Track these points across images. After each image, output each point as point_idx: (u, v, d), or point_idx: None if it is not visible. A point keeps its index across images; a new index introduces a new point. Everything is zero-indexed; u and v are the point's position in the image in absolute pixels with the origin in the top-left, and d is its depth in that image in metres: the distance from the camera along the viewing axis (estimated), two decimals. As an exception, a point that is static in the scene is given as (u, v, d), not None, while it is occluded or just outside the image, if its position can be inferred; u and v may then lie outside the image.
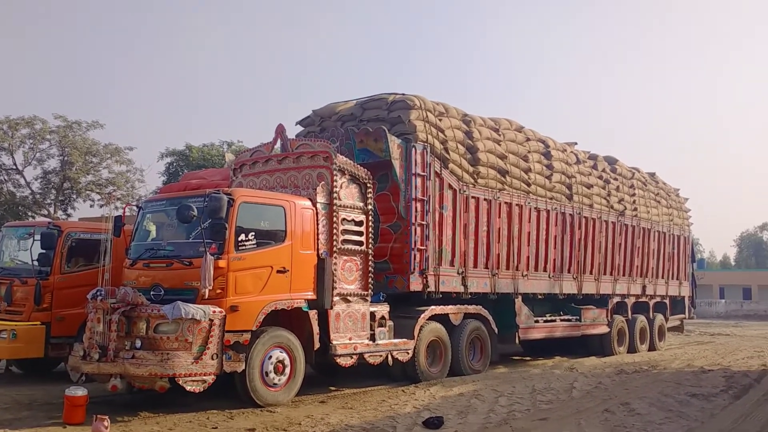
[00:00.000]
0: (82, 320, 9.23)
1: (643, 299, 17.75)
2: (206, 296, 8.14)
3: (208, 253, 8.13)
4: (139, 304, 8.20)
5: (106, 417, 6.98)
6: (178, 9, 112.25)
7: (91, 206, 32.98)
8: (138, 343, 8.04)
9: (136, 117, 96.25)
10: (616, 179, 16.88)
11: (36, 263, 10.65)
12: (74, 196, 32.89)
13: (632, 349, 16.77)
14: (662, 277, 18.61)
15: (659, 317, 18.44)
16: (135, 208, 9.99)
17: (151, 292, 8.45)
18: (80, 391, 7.56)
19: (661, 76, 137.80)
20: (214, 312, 8.09)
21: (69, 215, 32.26)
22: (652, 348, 17.71)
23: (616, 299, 16.42)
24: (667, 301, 19.06)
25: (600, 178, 16.23)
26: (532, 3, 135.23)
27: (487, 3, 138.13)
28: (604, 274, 15.96)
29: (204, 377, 8.01)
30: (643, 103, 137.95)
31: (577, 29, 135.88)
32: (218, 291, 8.24)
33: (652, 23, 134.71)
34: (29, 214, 31.53)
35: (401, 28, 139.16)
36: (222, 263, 8.28)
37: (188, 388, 7.94)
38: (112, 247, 9.07)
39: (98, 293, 8.38)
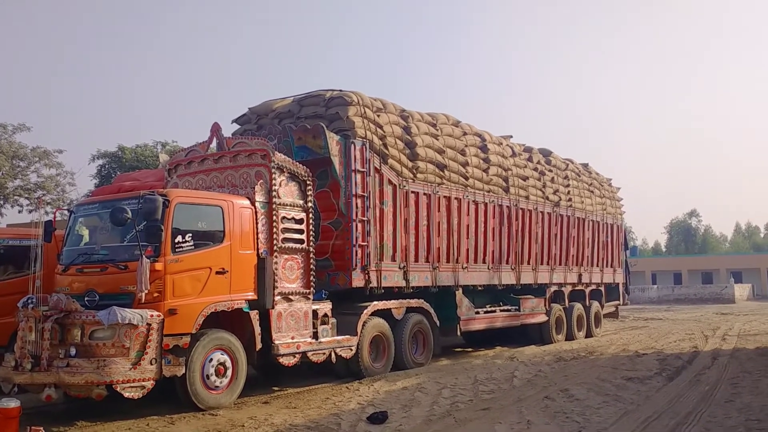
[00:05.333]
0: (13, 330, 8.90)
1: (580, 287, 18.21)
2: (143, 300, 7.96)
3: (143, 257, 7.95)
4: (72, 310, 7.96)
5: (41, 428, 6.74)
6: (104, 5, 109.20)
7: (19, 212, 31.83)
8: (73, 351, 7.80)
9: (65, 119, 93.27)
10: (550, 171, 17.24)
11: (-38, 272, 10.21)
12: (1, 202, 31.65)
13: (570, 337, 17.20)
14: (597, 265, 19.14)
15: (595, 304, 18.96)
16: (66, 212, 9.68)
17: (86, 298, 8.20)
18: (12, 403, 7.25)
19: (591, 65, 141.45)
20: (152, 316, 7.92)
21: (-4, 221, 31.07)
22: (589, 335, 18.21)
23: (553, 288, 16.81)
24: (602, 288, 19.61)
25: (535, 170, 16.56)
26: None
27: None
28: (542, 264, 16.31)
29: (143, 383, 7.84)
30: (574, 94, 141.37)
31: (506, 19, 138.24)
32: (155, 294, 8.06)
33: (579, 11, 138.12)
34: (-47, 221, 30.24)
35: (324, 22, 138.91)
36: (158, 266, 8.11)
37: (126, 394, 7.75)
38: (43, 253, 8.77)
39: (29, 301, 8.10)
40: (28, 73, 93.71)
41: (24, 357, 7.85)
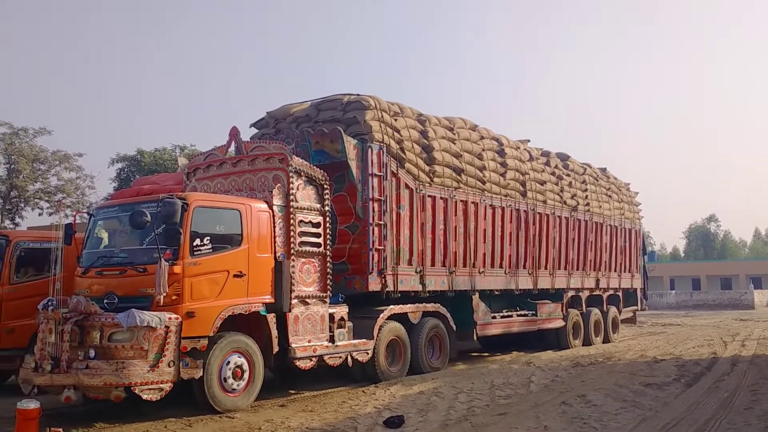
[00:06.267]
0: (33, 331, 9.00)
1: (597, 292, 18.09)
2: (161, 303, 8.02)
3: (162, 259, 8.01)
4: (92, 313, 8.03)
5: (60, 429, 6.82)
6: (126, 12, 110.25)
7: (39, 215, 32.25)
8: (92, 353, 7.86)
9: (85, 123, 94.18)
10: (568, 175, 17.16)
11: (-17, 274, 10.34)
12: (22, 205, 32.06)
13: (587, 342, 17.09)
14: (615, 270, 19.00)
15: (613, 310, 18.83)
16: (86, 215, 9.78)
17: (105, 301, 8.27)
18: (33, 404, 7.33)
19: (607, 70, 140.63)
20: (170, 319, 7.97)
21: (17, 224, 31.46)
22: (606, 340, 18.08)
23: (570, 293, 16.71)
24: (620, 293, 19.47)
25: (553, 174, 16.49)
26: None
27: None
28: (559, 268, 16.23)
29: (161, 385, 7.89)
30: (592, 100, 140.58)
31: (528, 21, 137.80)
32: (174, 297, 8.12)
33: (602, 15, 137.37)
34: (-25, 224, 30.62)
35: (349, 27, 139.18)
36: (177, 269, 8.16)
37: (145, 396, 7.81)
38: (63, 255, 8.86)
39: (49, 303, 8.19)
40: (49, 77, 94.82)
41: (44, 359, 7.94)
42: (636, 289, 20.55)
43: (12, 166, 30.76)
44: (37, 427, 7.29)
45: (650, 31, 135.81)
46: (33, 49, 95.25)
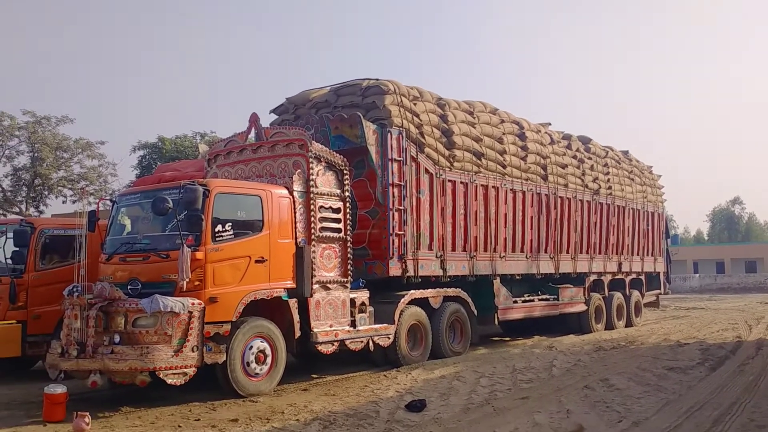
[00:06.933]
0: (59, 317, 9.14)
1: (620, 276, 17.97)
2: (184, 288, 8.09)
3: (184, 245, 8.07)
4: (116, 298, 8.12)
5: (87, 413, 6.94)
6: (148, 1, 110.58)
7: (63, 202, 32.62)
8: (117, 338, 7.97)
9: (107, 111, 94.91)
10: (590, 158, 17.01)
11: (9, 261, 10.50)
12: (46, 193, 32.44)
13: (610, 326, 17.00)
14: (637, 254, 18.85)
15: (635, 293, 18.70)
16: (109, 202, 9.87)
17: (129, 287, 8.38)
18: (59, 389, 7.49)
19: (632, 55, 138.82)
20: (193, 304, 8.04)
21: (41, 212, 31.84)
22: (629, 324, 17.97)
23: (592, 277, 16.60)
24: (642, 277, 19.32)
25: (574, 157, 16.34)
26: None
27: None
28: (581, 252, 16.12)
29: (185, 370, 7.98)
30: (616, 81, 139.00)
31: (552, 10, 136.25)
32: (196, 283, 8.19)
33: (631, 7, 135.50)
34: (0, 212, 31.03)
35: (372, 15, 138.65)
36: (199, 255, 8.23)
37: (169, 381, 7.90)
38: (87, 242, 8.96)
39: (74, 289, 8.28)
40: (72, 65, 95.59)
41: (70, 344, 8.05)
42: (659, 272, 20.38)
43: (35, 155, 31.10)
44: (64, 411, 7.45)
45: (673, 9, 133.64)
46: (53, 36, 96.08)
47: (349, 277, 10.05)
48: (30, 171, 31.36)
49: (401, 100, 11.53)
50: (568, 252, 15.67)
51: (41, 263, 10.69)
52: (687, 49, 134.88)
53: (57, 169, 31.92)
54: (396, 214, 11.01)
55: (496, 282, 13.28)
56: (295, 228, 9.35)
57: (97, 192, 32.25)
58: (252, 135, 10.45)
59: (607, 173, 17.55)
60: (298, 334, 9.26)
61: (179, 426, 7.12)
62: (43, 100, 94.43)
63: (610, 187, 17.48)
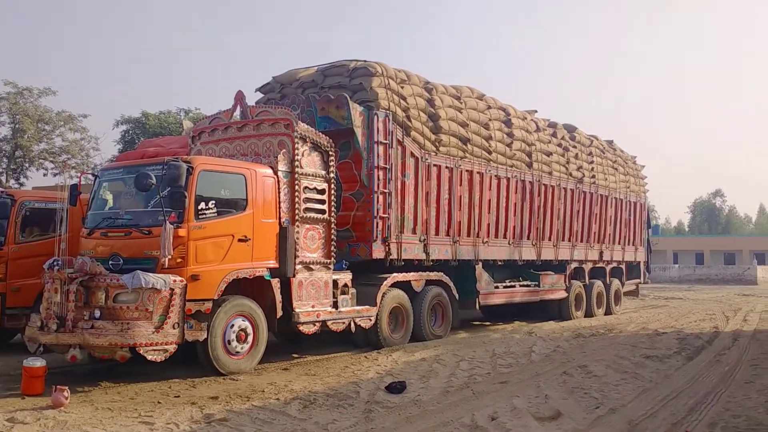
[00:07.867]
0: (39, 291, 9.07)
1: (600, 265, 18.11)
2: (166, 265, 8.05)
3: (167, 222, 8.02)
4: (97, 273, 8.07)
5: (66, 388, 6.91)
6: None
7: (44, 175, 32.32)
8: (97, 313, 7.92)
9: (90, 84, 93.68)
10: (574, 147, 17.07)
11: (-11, 233, 10.39)
12: (27, 165, 32.10)
13: (589, 314, 17.15)
14: (619, 243, 19.00)
15: (615, 282, 18.86)
16: (91, 176, 9.77)
17: (110, 262, 8.31)
18: (38, 362, 7.45)
19: (618, 43, 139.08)
20: (175, 281, 8.01)
21: (22, 184, 31.54)
22: (608, 312, 18.14)
23: (573, 265, 16.72)
24: (623, 266, 19.48)
25: (559, 146, 16.39)
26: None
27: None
28: (563, 240, 16.22)
29: (165, 346, 7.95)
30: (602, 71, 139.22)
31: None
32: (179, 260, 8.15)
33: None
34: (-21, 183, 30.68)
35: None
36: (182, 232, 8.18)
37: (149, 357, 7.88)
38: (69, 216, 8.88)
39: (55, 263, 8.22)
40: (55, 36, 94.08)
41: (49, 318, 8.00)
42: (639, 262, 20.56)
43: (16, 126, 30.72)
44: (43, 384, 7.41)
45: (658, 6, 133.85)
46: (36, 6, 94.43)
47: (333, 259, 10.05)
48: (11, 142, 30.99)
49: (388, 83, 11.48)
50: (550, 239, 15.76)
51: (21, 236, 10.60)
52: (675, 40, 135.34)
53: (38, 141, 31.58)
54: (381, 197, 11.00)
55: (478, 267, 13.34)
56: (279, 208, 9.32)
57: (78, 166, 31.97)
58: (237, 113, 10.34)
59: (591, 162, 17.63)
60: (280, 313, 9.26)
61: (159, 402, 7.11)
62: (23, 71, 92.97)
63: (593, 176, 17.57)
